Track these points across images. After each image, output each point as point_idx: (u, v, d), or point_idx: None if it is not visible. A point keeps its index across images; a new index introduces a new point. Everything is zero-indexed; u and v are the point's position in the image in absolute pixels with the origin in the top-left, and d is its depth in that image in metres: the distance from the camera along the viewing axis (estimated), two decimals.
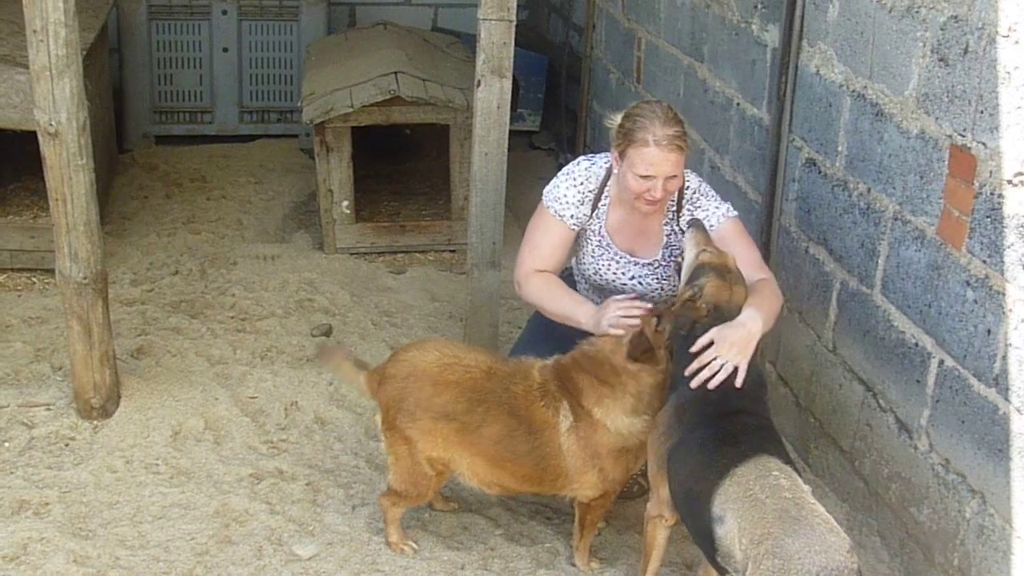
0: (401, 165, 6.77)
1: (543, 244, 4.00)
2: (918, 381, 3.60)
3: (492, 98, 4.30)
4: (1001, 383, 3.18)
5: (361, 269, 5.85)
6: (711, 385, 3.32)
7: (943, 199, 3.44)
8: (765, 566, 2.87)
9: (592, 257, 4.02)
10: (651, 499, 3.48)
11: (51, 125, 4.01)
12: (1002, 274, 3.16)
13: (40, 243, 5.37)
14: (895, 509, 3.75)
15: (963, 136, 3.31)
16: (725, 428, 3.29)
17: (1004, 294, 3.15)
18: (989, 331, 3.23)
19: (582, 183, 3.97)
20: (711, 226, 3.79)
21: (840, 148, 3.99)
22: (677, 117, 3.71)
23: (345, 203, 5.91)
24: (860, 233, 3.91)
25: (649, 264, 3.96)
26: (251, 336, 5.12)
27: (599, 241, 3.98)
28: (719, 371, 3.33)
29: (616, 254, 3.97)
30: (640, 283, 3.98)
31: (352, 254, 5.96)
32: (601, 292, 4.02)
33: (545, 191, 4.03)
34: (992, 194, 3.18)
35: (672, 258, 3.92)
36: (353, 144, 5.83)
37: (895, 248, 3.72)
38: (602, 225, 3.98)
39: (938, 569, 3.51)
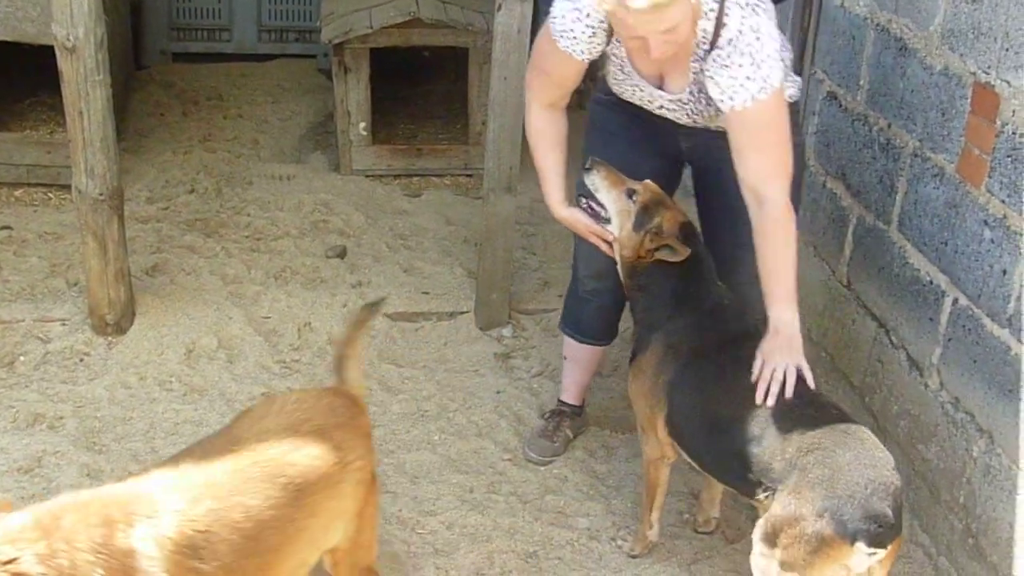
0: (419, 88, 6.73)
1: (553, 73, 3.46)
2: (931, 319, 3.60)
3: (512, 22, 4.25)
4: (1014, 323, 3.18)
5: (377, 191, 5.84)
6: (787, 393, 3.10)
7: (964, 137, 3.41)
8: (814, 474, 2.89)
9: (615, 80, 3.49)
10: (647, 442, 3.47)
11: (68, 40, 3.99)
12: (1020, 214, 3.14)
13: (56, 159, 5.35)
14: (903, 446, 3.76)
15: (987, 74, 3.28)
16: (739, 353, 3.23)
17: (1021, 234, 3.14)
18: (1005, 271, 3.22)
19: (588, 14, 3.27)
20: (724, 101, 3.14)
21: (862, 82, 3.96)
22: None
23: (362, 125, 5.88)
24: (879, 168, 3.89)
25: (677, 100, 3.37)
26: (265, 256, 5.13)
27: (620, 66, 3.41)
28: (784, 380, 3.11)
29: (639, 81, 3.41)
30: (668, 114, 3.44)
31: (368, 176, 5.95)
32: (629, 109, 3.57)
33: (552, 16, 3.35)
34: (1014, 133, 3.16)
35: (702, 94, 3.28)
36: (371, 66, 5.80)
37: (913, 185, 3.70)
38: (622, 50, 3.35)
39: (943, 506, 3.53)
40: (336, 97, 5.90)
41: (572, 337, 4.03)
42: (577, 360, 4.08)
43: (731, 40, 3.09)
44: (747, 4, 3.10)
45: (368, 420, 3.11)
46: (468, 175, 6.03)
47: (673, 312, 3.37)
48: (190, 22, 7.39)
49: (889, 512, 2.83)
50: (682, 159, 3.66)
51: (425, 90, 6.73)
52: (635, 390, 3.46)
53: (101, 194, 4.23)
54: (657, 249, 3.34)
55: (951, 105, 3.47)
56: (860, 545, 2.81)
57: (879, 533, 2.81)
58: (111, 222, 4.29)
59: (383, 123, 6.14)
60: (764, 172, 3.16)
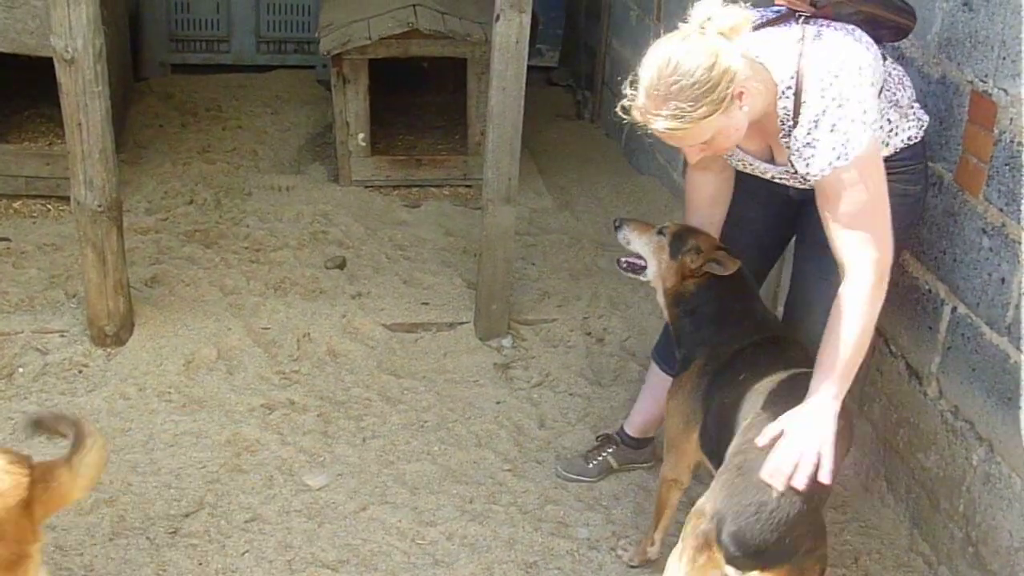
0: (418, 99, 6.74)
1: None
2: (930, 327, 3.60)
3: (511, 32, 4.26)
4: (1013, 332, 3.18)
5: (376, 202, 5.85)
6: (795, 483, 2.78)
7: (962, 145, 3.41)
8: (727, 477, 2.89)
9: (727, 156, 3.33)
10: (667, 462, 3.45)
11: (67, 51, 3.99)
12: (1018, 222, 3.14)
13: (55, 170, 5.35)
14: (903, 454, 3.76)
15: (984, 82, 3.28)
16: (776, 354, 3.22)
17: (1020, 242, 3.14)
18: (1003, 279, 3.22)
19: None
20: (809, 174, 2.99)
21: None
22: (668, 90, 2.82)
23: (361, 136, 5.89)
24: None
25: (785, 170, 3.20)
26: (265, 267, 5.13)
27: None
28: (799, 466, 2.80)
29: (745, 157, 3.27)
30: (781, 182, 3.30)
31: (367, 187, 5.95)
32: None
33: None
34: (1011, 142, 3.16)
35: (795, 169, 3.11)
36: (370, 76, 5.81)
37: None
38: None
39: (943, 515, 3.53)
40: (335, 108, 5.91)
41: (661, 367, 3.81)
42: (654, 391, 3.86)
43: (814, 119, 2.94)
44: (828, 72, 2.93)
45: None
46: (467, 186, 6.03)
47: (718, 328, 3.34)
48: (189, 33, 7.41)
49: (760, 542, 2.72)
50: (793, 202, 3.44)
51: (424, 101, 6.74)
52: (673, 405, 3.41)
53: (100, 205, 4.23)
54: (704, 264, 3.33)
55: (949, 114, 3.47)
56: (729, 567, 2.75)
57: (739, 559, 2.73)
58: (110, 233, 4.29)
59: (382, 134, 6.15)
60: (845, 242, 2.96)
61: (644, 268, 3.48)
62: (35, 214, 5.44)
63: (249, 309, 4.78)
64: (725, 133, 2.93)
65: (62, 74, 4.05)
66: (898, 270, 3.77)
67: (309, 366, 4.51)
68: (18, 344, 4.43)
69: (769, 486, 2.78)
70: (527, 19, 4.24)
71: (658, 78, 2.83)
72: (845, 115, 2.90)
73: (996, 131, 3.23)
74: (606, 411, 4.35)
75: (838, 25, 3.06)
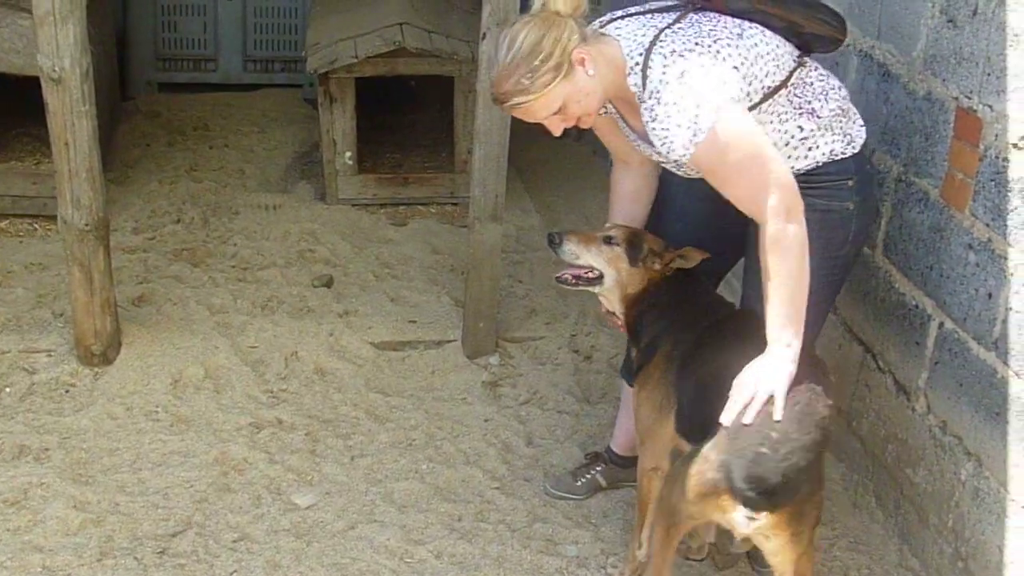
0: (405, 117, 6.75)
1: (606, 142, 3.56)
2: (917, 343, 3.61)
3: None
4: (1000, 347, 3.19)
5: (363, 220, 5.85)
6: (746, 419, 2.88)
7: (947, 161, 3.43)
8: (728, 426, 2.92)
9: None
10: (644, 453, 3.44)
11: (54, 71, 3.99)
12: (1004, 237, 3.15)
13: (42, 189, 5.35)
14: (891, 470, 3.77)
15: (969, 98, 3.30)
16: (737, 326, 3.26)
17: (1006, 258, 3.15)
18: (990, 294, 3.23)
19: None
20: (667, 153, 3.07)
21: None
22: (508, 66, 3.00)
23: (348, 154, 5.89)
24: None
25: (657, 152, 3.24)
26: (252, 286, 5.13)
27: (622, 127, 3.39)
28: (751, 404, 2.91)
29: (635, 139, 3.33)
30: (667, 166, 3.32)
31: (354, 205, 5.95)
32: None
33: None
34: (996, 157, 3.17)
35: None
36: (357, 95, 5.81)
37: (898, 209, 3.71)
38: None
39: (932, 530, 3.53)
40: (322, 126, 5.91)
41: (630, 383, 3.79)
42: (630, 408, 3.81)
43: (652, 93, 3.02)
44: (673, 52, 3.02)
45: None
46: (454, 204, 6.04)
47: (675, 318, 3.34)
48: (176, 52, 7.41)
49: (771, 477, 2.75)
50: None
51: (411, 119, 6.75)
52: (642, 397, 3.42)
53: (87, 224, 4.22)
54: (670, 263, 3.38)
55: (934, 130, 3.49)
56: (740, 507, 2.80)
57: (753, 499, 2.76)
58: (97, 252, 4.28)
59: (369, 152, 6.15)
60: (743, 203, 3.04)
61: (598, 280, 3.43)
62: (21, 233, 5.43)
63: (236, 328, 4.77)
64: (575, 99, 3.05)
65: (49, 94, 4.05)
66: (885, 285, 3.78)
67: (297, 385, 4.50)
68: (5, 364, 4.42)
69: (771, 433, 2.82)
70: None
71: (500, 58, 3.03)
72: (691, 92, 2.96)
73: (981, 147, 3.24)
74: (594, 429, 4.35)
75: (724, 18, 3.13)
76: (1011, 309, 3.14)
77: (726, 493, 2.81)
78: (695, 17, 3.15)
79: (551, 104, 3.05)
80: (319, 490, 3.93)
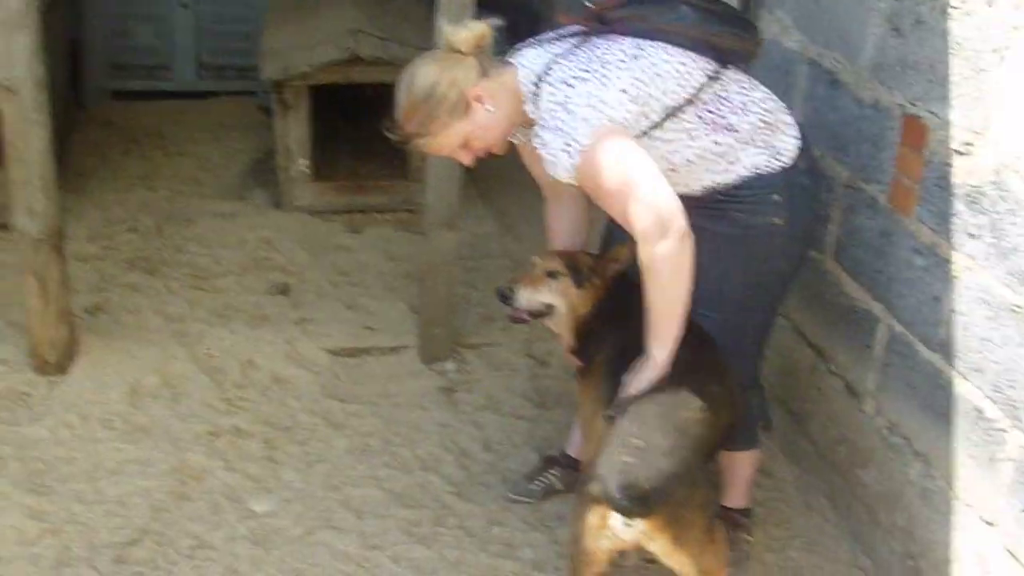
0: (360, 125, 6.75)
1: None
2: (867, 346, 3.67)
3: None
4: (947, 349, 3.25)
5: (319, 228, 5.85)
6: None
7: (894, 167, 3.49)
8: (608, 438, 3.01)
9: None
10: (585, 448, 3.49)
11: (7, 80, 3.99)
12: (949, 242, 3.22)
13: None
14: (842, 471, 3.83)
15: (914, 106, 3.36)
16: None
17: (951, 261, 3.22)
18: (936, 297, 3.30)
19: None
20: (557, 175, 3.11)
21: (796, 115, 4.03)
22: (408, 109, 3.18)
23: (303, 162, 5.90)
24: None
25: None
26: (208, 294, 5.13)
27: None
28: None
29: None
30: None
31: (310, 213, 5.95)
32: None
33: None
34: (941, 163, 3.24)
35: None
36: (312, 103, 5.82)
37: (847, 215, 3.78)
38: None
39: (883, 529, 3.59)
40: (277, 134, 5.91)
41: None
42: None
43: (540, 120, 3.12)
44: (560, 80, 3.11)
45: None
46: (410, 211, 6.05)
47: (614, 318, 3.38)
48: (130, 60, 7.38)
49: (642, 484, 2.80)
50: None
51: (366, 127, 6.74)
52: (581, 389, 3.49)
53: (41, 233, 4.22)
54: (610, 273, 3.44)
55: (881, 136, 3.55)
56: (615, 514, 2.87)
57: (625, 506, 2.81)
58: (51, 262, 4.28)
59: (324, 160, 6.16)
60: (622, 220, 3.08)
61: (549, 311, 3.49)
62: None
63: (193, 336, 4.77)
64: (476, 135, 3.19)
65: (2, 103, 4.04)
66: (834, 289, 3.84)
67: (254, 392, 4.50)
68: None
69: (633, 440, 2.90)
70: None
71: (399, 100, 3.19)
72: (570, 117, 3.04)
73: (926, 153, 3.31)
74: (550, 433, 4.38)
75: (623, 40, 3.18)
76: (956, 312, 3.20)
77: (603, 504, 2.88)
78: (595, 41, 3.21)
79: (452, 141, 3.20)
80: (277, 497, 3.94)
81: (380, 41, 5.85)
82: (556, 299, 3.47)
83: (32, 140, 4.10)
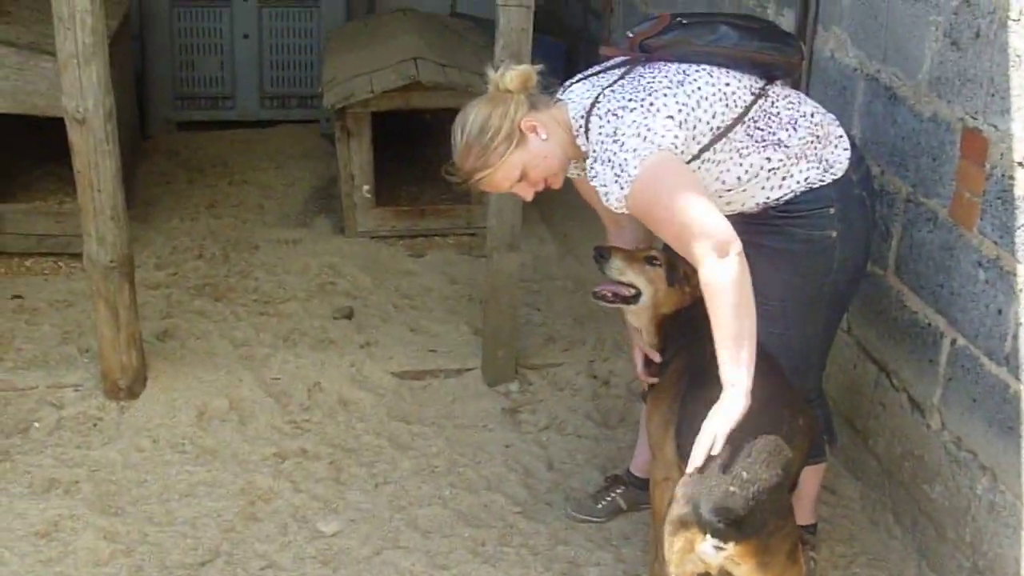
0: (421, 150, 6.82)
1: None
2: (931, 360, 3.65)
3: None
4: (1012, 362, 3.24)
5: (381, 253, 5.92)
6: (689, 466, 2.97)
7: (955, 181, 3.48)
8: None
9: None
10: (656, 464, 3.48)
11: (78, 112, 4.08)
12: (1013, 254, 3.21)
13: (66, 228, 5.44)
14: (908, 486, 3.81)
15: (975, 119, 3.36)
16: None
17: (1015, 274, 3.20)
18: (1000, 311, 3.28)
19: None
20: (610, 204, 3.16)
21: (854, 131, 4.04)
22: (466, 146, 3.24)
23: (366, 187, 5.97)
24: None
25: None
26: (274, 319, 5.20)
27: None
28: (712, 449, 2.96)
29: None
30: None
31: (372, 238, 6.03)
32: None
33: None
34: (1003, 176, 3.23)
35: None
36: (373, 129, 5.89)
37: (908, 230, 3.77)
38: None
39: (950, 545, 3.57)
40: (339, 161, 5.99)
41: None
42: None
43: (591, 152, 3.19)
44: (608, 111, 3.16)
45: None
46: (471, 234, 6.10)
47: (693, 338, 3.36)
48: (194, 91, 7.50)
49: (738, 509, 2.83)
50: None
51: (427, 152, 6.82)
52: (651, 409, 3.50)
53: (112, 261, 4.31)
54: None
55: (941, 150, 3.55)
56: (708, 536, 2.86)
57: (720, 529, 2.83)
58: (122, 289, 4.37)
59: (386, 185, 6.23)
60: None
61: (635, 297, 3.47)
62: (47, 271, 5.52)
63: (259, 360, 4.84)
64: (533, 164, 3.24)
65: (73, 134, 4.14)
66: (897, 304, 3.83)
67: (320, 415, 4.56)
68: (33, 399, 4.50)
69: (742, 472, 2.90)
70: None
71: (455, 142, 3.27)
72: (619, 148, 3.08)
73: (988, 166, 3.30)
74: (613, 452, 4.40)
75: (668, 67, 3.23)
76: (1021, 324, 3.19)
77: (694, 526, 2.89)
78: (639, 71, 3.26)
79: (511, 173, 3.24)
80: (344, 517, 3.99)
81: (439, 67, 5.92)
82: (645, 285, 3.45)
83: (102, 170, 4.19)
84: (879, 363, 3.99)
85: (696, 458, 2.95)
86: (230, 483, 4.13)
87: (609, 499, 4.05)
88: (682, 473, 3.29)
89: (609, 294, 3.50)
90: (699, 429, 3.05)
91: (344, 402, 4.64)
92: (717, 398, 3.03)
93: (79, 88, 4.05)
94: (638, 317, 3.53)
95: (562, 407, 4.68)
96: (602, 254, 3.49)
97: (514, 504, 4.11)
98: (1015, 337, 3.22)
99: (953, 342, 3.53)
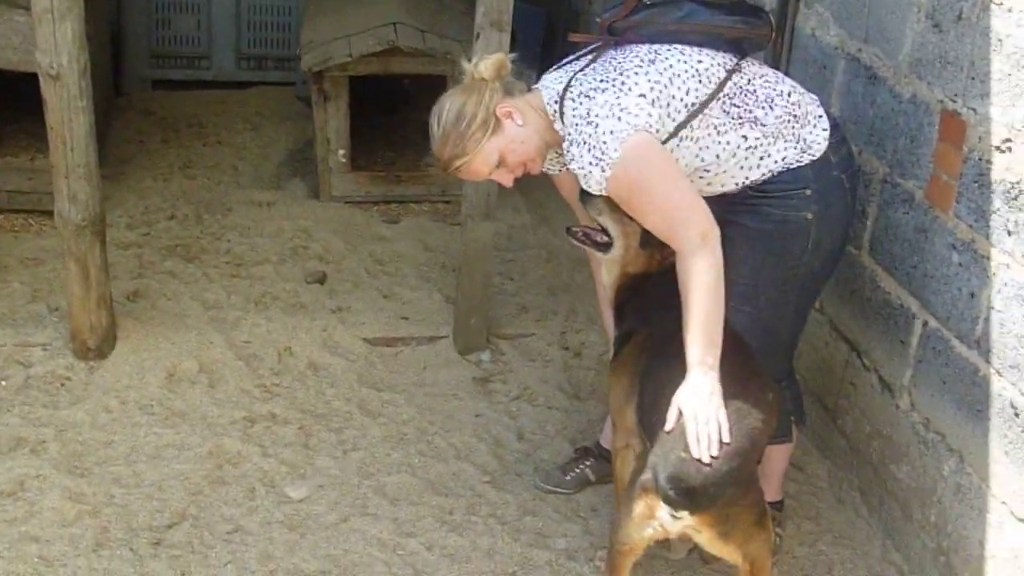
0: (398, 115, 6.79)
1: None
2: (902, 342, 3.67)
3: (490, 50, 4.31)
4: (983, 345, 3.25)
5: (356, 218, 5.89)
6: (712, 454, 2.91)
7: (932, 163, 3.49)
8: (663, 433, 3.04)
9: None
10: (616, 433, 3.52)
11: (52, 67, 4.03)
12: (987, 238, 3.22)
13: (38, 184, 5.38)
14: (875, 466, 3.83)
15: (954, 102, 3.36)
16: None
17: (988, 258, 3.21)
18: (973, 294, 3.30)
19: None
20: (589, 188, 3.22)
21: (833, 110, 4.04)
22: (443, 134, 3.27)
23: (341, 152, 5.93)
24: None
25: None
26: (246, 282, 5.17)
27: None
28: (710, 435, 2.95)
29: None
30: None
31: (347, 203, 6.00)
32: None
33: None
34: (980, 159, 3.24)
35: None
36: (350, 93, 5.86)
37: (884, 210, 3.77)
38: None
39: (915, 525, 3.59)
40: (315, 124, 5.95)
41: None
42: None
43: (567, 135, 3.22)
44: (580, 94, 3.19)
45: None
46: (446, 202, 6.08)
47: (656, 310, 3.37)
48: (170, 50, 7.43)
49: (690, 479, 2.86)
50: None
51: (404, 118, 6.79)
52: (613, 380, 3.51)
53: (83, 219, 4.27)
54: (669, 257, 3.36)
55: (919, 132, 3.55)
56: (663, 504, 2.90)
57: (672, 498, 2.87)
58: (93, 248, 4.33)
59: (362, 150, 6.19)
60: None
61: (606, 246, 3.46)
62: (17, 228, 5.46)
63: (230, 323, 4.81)
64: (511, 148, 3.28)
65: (47, 90, 4.09)
66: (870, 285, 3.84)
67: (290, 379, 4.55)
68: (1, 357, 4.46)
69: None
70: (507, 38, 4.30)
71: (433, 131, 3.30)
72: (597, 130, 3.11)
73: (965, 149, 3.30)
74: (584, 424, 4.40)
75: (638, 48, 3.25)
76: (993, 308, 3.20)
77: (653, 492, 2.93)
78: (611, 53, 3.29)
79: (489, 159, 3.28)
80: (312, 483, 3.98)
81: (419, 32, 5.88)
82: (619, 236, 3.43)
83: (76, 127, 4.14)
84: (851, 342, 4.00)
85: (697, 455, 2.95)
86: (198, 446, 4.11)
87: (578, 471, 4.05)
88: (643, 443, 3.32)
89: (581, 233, 3.52)
90: (662, 404, 3.08)
91: (315, 367, 4.63)
92: (681, 374, 3.06)
93: (53, 43, 4.00)
94: (608, 270, 3.53)
95: (533, 377, 4.68)
96: (587, 192, 3.44)
97: (483, 473, 4.11)
98: (986, 321, 3.23)
99: (925, 324, 3.55)
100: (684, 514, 2.92)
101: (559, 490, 4.03)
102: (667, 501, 2.90)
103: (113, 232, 5.27)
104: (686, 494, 2.88)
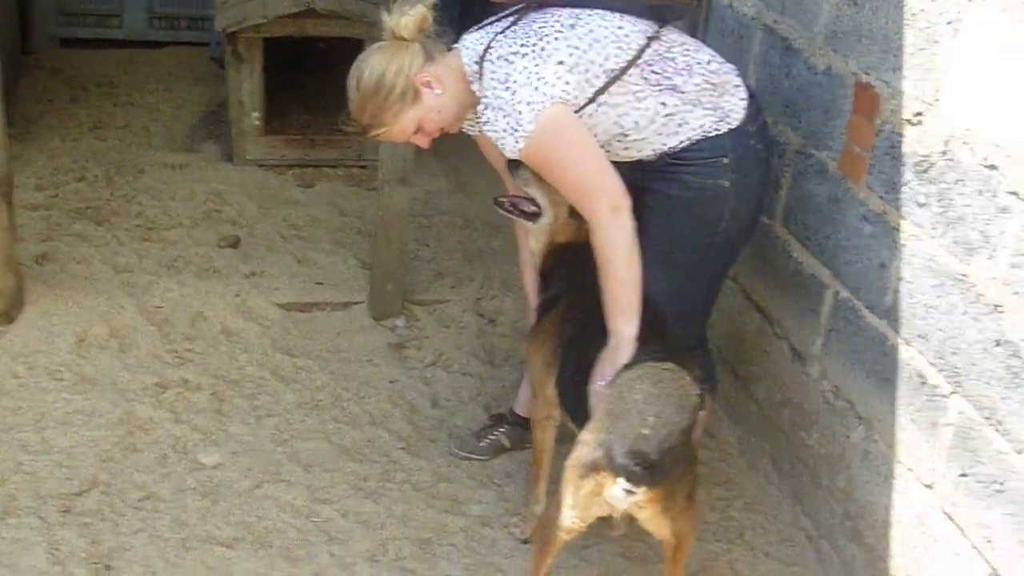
0: (313, 78, 6.72)
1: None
2: (813, 311, 3.72)
3: (412, 2, 4.27)
4: (892, 316, 3.30)
5: (270, 181, 5.83)
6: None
7: (845, 135, 3.53)
8: (605, 409, 3.01)
9: None
10: (536, 403, 3.54)
11: None
12: (898, 210, 3.26)
13: None
14: (786, 433, 3.89)
15: (868, 75, 3.40)
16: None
17: (899, 229, 3.26)
18: (883, 264, 3.35)
19: None
20: (511, 155, 3.23)
21: (750, 80, 4.05)
22: (360, 101, 3.27)
23: (255, 115, 5.87)
24: None
25: None
26: (157, 245, 5.10)
27: None
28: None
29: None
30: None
31: (261, 166, 5.93)
32: None
33: None
34: (892, 132, 3.28)
35: None
36: (265, 55, 5.79)
37: (797, 181, 3.81)
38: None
39: (824, 491, 3.65)
40: (229, 86, 5.88)
41: None
42: None
43: (483, 98, 3.22)
44: (499, 57, 3.19)
45: None
46: (362, 167, 6.04)
47: (579, 282, 3.37)
48: (79, 7, 7.28)
49: (651, 453, 2.84)
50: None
51: (319, 81, 6.71)
52: (532, 350, 3.51)
53: None
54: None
55: (833, 104, 3.59)
56: (620, 480, 2.87)
57: (635, 472, 2.84)
58: (0, 209, 4.24)
59: (276, 113, 6.13)
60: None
61: (534, 215, 3.48)
62: None
63: (142, 287, 4.75)
64: (430, 118, 3.30)
65: None
66: (783, 255, 3.89)
67: (203, 345, 4.50)
68: None
69: (648, 416, 2.92)
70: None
71: (350, 94, 3.29)
72: (514, 96, 3.12)
73: (878, 121, 3.35)
74: (498, 391, 4.42)
75: (559, 12, 3.26)
76: (903, 279, 3.25)
77: (605, 470, 2.90)
78: (532, 16, 3.28)
79: (406, 128, 3.30)
80: (225, 449, 3.95)
81: None
82: (548, 206, 3.45)
83: None
84: (763, 311, 4.05)
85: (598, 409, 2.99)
86: (109, 412, 4.06)
87: (492, 438, 4.06)
88: (563, 414, 3.33)
89: (508, 203, 3.52)
90: (579, 390, 3.12)
91: (228, 332, 4.59)
92: (601, 345, 3.09)
93: None
94: (536, 239, 3.54)
95: (448, 344, 4.68)
96: (515, 162, 3.45)
97: (398, 440, 4.11)
98: (896, 291, 3.28)
99: (836, 294, 3.60)
100: (642, 489, 2.89)
101: (473, 456, 4.04)
102: (629, 478, 2.85)
103: (20, 193, 5.16)
104: (648, 469, 2.85)
